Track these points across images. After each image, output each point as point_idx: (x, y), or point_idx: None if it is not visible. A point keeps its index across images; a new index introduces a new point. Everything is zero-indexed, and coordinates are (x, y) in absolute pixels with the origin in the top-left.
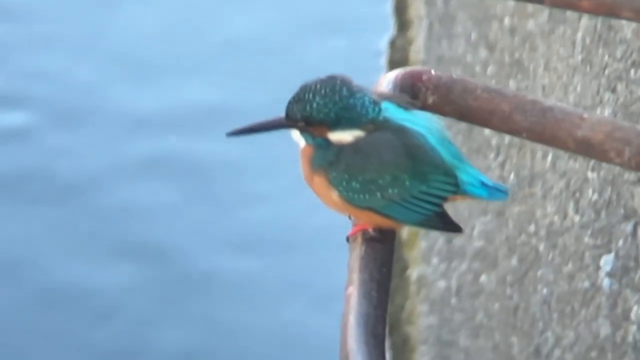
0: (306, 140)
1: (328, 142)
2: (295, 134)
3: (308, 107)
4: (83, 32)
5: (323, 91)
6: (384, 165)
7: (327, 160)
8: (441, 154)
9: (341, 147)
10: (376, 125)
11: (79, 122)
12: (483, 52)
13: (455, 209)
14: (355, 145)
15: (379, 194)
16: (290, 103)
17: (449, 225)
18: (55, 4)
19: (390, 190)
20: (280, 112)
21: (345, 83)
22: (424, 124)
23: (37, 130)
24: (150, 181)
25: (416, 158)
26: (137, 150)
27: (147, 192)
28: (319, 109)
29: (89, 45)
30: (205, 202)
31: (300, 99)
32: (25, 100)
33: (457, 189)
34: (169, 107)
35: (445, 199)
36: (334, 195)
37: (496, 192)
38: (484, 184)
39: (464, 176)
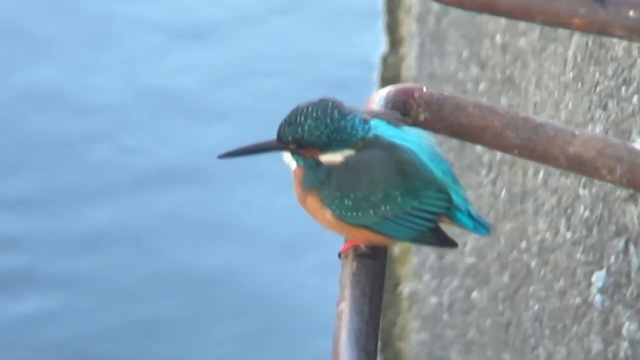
0: (297, 162)
1: (318, 163)
2: (287, 156)
3: (300, 130)
4: None
5: (315, 114)
6: (375, 182)
7: (318, 180)
8: (432, 170)
9: (332, 167)
10: (366, 142)
11: None
12: (475, 70)
13: (447, 225)
14: (345, 163)
15: (371, 211)
16: (282, 125)
17: (444, 241)
18: None
19: (382, 207)
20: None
21: (336, 106)
22: (414, 140)
23: None
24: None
25: (407, 174)
26: None
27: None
28: (311, 131)
29: None
30: None
31: (292, 121)
32: None
33: (449, 205)
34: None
35: (438, 215)
36: (328, 214)
37: (480, 226)
38: (470, 215)
39: (455, 197)
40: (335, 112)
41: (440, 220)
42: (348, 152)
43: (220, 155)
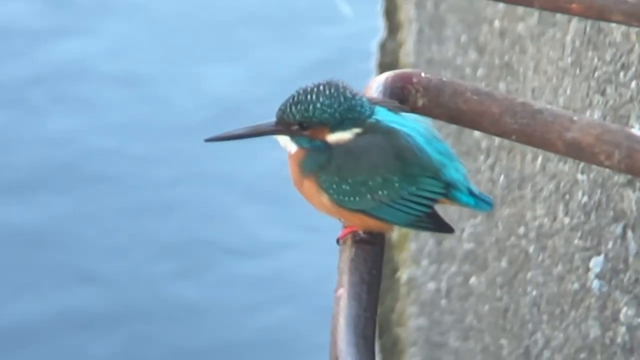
0: (300, 144)
1: (325, 144)
2: (284, 140)
3: (311, 108)
4: None
5: (327, 92)
6: (374, 167)
7: (318, 164)
8: (430, 155)
9: (333, 151)
10: (368, 127)
11: None
12: (473, 55)
13: (445, 211)
14: (346, 147)
15: (369, 196)
16: (285, 106)
17: (441, 226)
18: None
19: (380, 192)
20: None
21: (346, 86)
22: (412, 125)
23: None
24: None
25: (405, 160)
26: None
27: None
28: (324, 109)
29: None
30: None
31: (299, 101)
32: None
33: (446, 191)
34: None
35: (434, 200)
36: (324, 198)
37: (482, 202)
38: (471, 193)
39: (454, 174)
40: (347, 91)
41: (441, 201)
42: (356, 131)
43: (207, 139)
